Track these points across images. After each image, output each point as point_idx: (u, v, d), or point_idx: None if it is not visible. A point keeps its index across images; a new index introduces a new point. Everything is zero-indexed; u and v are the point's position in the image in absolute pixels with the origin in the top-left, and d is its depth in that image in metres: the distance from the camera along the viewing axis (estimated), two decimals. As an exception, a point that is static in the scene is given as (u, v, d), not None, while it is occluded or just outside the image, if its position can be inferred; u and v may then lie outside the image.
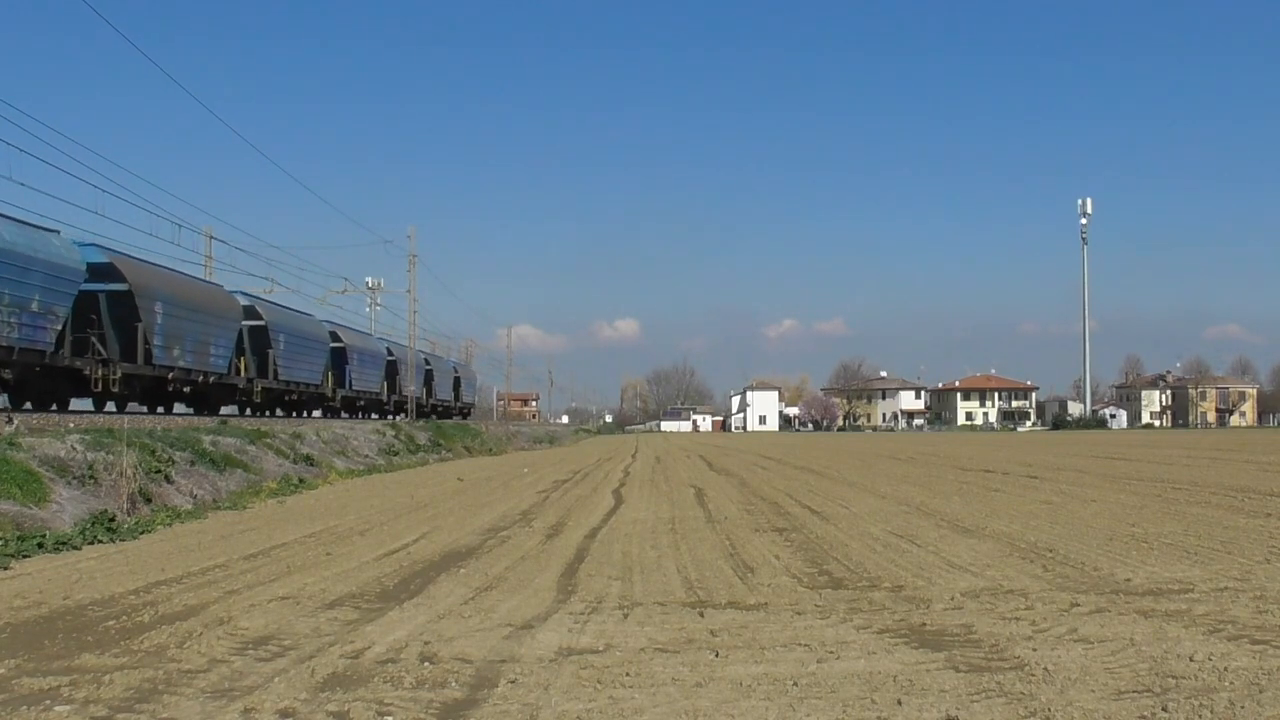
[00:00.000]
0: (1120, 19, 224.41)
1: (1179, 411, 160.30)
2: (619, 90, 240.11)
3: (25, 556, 10.99)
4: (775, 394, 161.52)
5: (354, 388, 48.43)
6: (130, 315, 26.61)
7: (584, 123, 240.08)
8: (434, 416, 61.26)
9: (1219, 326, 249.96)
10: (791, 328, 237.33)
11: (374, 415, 53.13)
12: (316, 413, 45.19)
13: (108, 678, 5.83)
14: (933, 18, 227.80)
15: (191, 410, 33.19)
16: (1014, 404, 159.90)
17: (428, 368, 62.85)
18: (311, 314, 46.57)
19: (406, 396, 56.25)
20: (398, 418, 52.78)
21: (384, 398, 53.67)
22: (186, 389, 31.35)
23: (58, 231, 24.71)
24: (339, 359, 47.24)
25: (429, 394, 62.45)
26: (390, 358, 55.03)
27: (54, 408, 25.12)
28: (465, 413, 76.55)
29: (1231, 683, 5.42)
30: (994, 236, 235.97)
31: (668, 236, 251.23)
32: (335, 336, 47.06)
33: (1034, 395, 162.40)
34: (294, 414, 40.86)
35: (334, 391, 46.15)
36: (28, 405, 24.45)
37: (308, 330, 43.08)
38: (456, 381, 72.91)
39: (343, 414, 48.56)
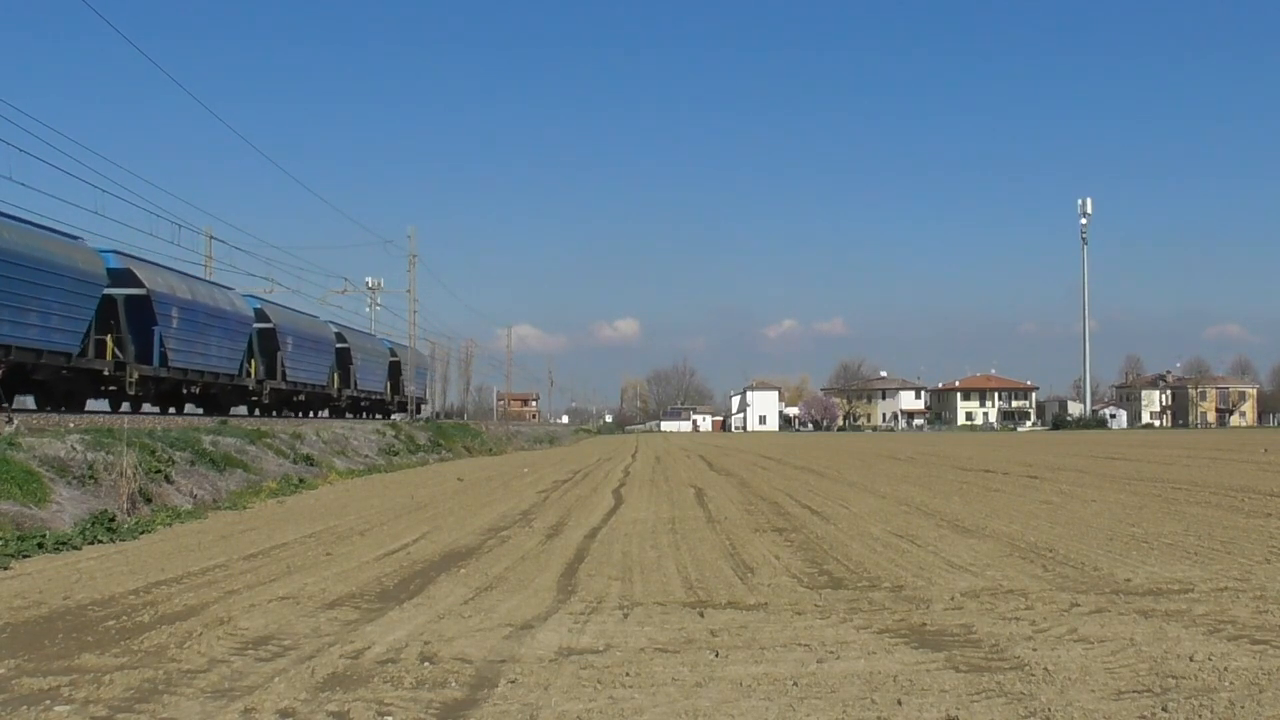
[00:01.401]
0: (1120, 19, 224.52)
1: (1179, 411, 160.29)
2: (619, 90, 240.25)
3: (25, 556, 10.99)
4: (775, 394, 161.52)
5: (173, 363, 29.00)
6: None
7: (584, 123, 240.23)
8: (359, 414, 49.93)
9: (1219, 326, 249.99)
10: (791, 328, 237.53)
11: (233, 409, 35.99)
12: (103, 404, 28.85)
13: (108, 678, 5.83)
14: (932, 17, 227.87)
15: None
16: (1014, 404, 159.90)
17: (342, 345, 46.90)
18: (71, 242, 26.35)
19: (299, 385, 40.53)
20: (287, 414, 39.77)
21: (249, 383, 35.60)
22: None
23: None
24: (139, 313, 27.54)
25: (345, 381, 47.12)
26: (263, 325, 37.09)
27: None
28: (412, 409, 60.00)
29: (1231, 683, 5.42)
30: (994, 236, 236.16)
31: (668, 236, 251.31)
32: (128, 277, 27.30)
33: (1034, 395, 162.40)
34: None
35: (125, 371, 26.70)
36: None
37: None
38: (395, 368, 56.40)
39: (149, 405, 30.69)
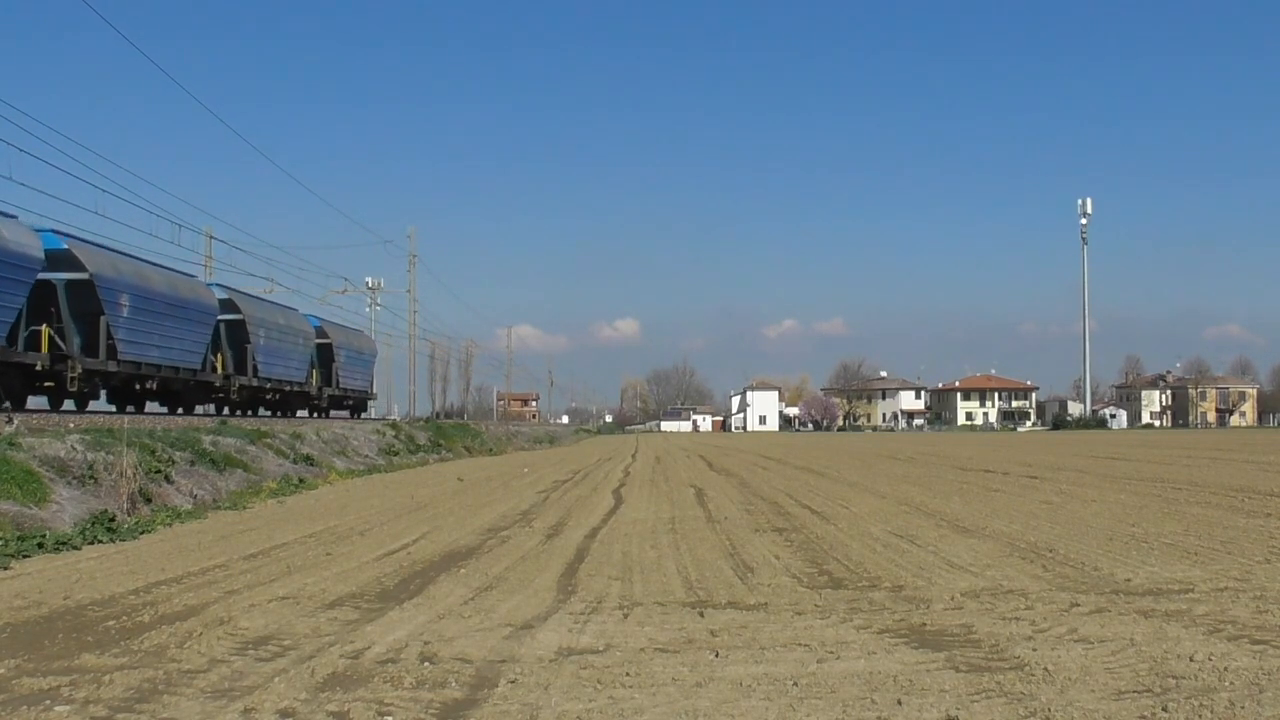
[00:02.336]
0: (1120, 19, 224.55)
1: (1179, 411, 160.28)
2: (619, 90, 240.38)
3: (25, 556, 10.99)
4: (775, 394, 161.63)
5: None
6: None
7: (584, 122, 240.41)
8: (265, 409, 38.21)
9: (1219, 326, 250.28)
10: (791, 328, 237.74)
11: (30, 399, 25.14)
12: None
13: (108, 678, 5.83)
14: (933, 17, 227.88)
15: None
16: (1014, 404, 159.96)
17: (230, 316, 34.49)
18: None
19: (145, 365, 27.90)
20: (150, 409, 30.58)
21: (38, 360, 23.43)
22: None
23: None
24: None
25: (239, 365, 35.07)
26: (71, 275, 25.17)
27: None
28: (351, 405, 49.22)
29: (1231, 683, 5.42)
30: (994, 236, 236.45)
31: (668, 236, 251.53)
32: None
33: (1034, 395, 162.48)
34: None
35: None
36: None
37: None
38: (325, 352, 44.38)
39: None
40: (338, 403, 47.26)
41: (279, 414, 38.55)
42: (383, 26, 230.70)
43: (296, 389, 40.70)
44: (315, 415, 42.69)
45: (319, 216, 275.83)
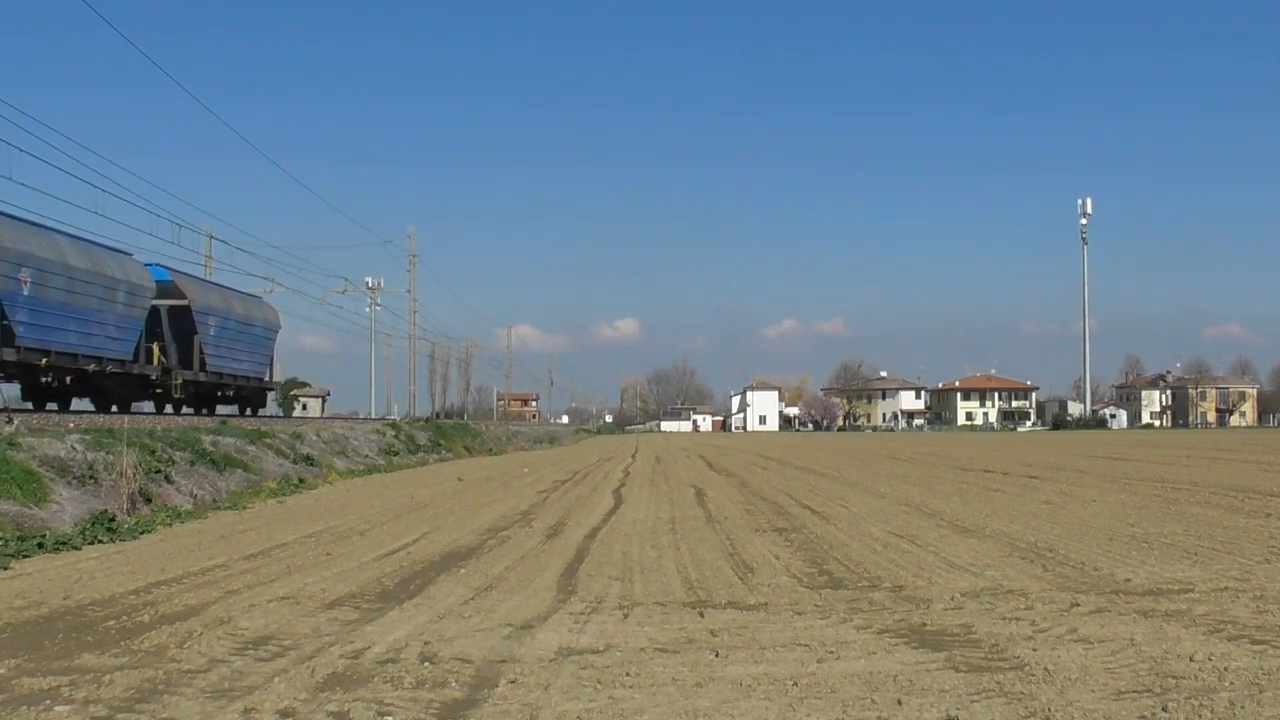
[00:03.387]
0: (1120, 19, 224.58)
1: (1179, 411, 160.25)
2: (619, 90, 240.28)
3: (25, 556, 10.99)
4: (775, 394, 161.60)
5: None
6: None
7: (584, 122, 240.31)
8: (54, 400, 26.12)
9: (1219, 326, 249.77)
10: (791, 328, 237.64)
11: None
12: None
13: (108, 678, 5.83)
14: (933, 17, 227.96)
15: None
16: (1014, 404, 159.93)
17: None
18: None
19: None
20: None
21: None
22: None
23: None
24: None
25: None
26: None
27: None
28: (234, 397, 35.41)
29: (1231, 683, 5.42)
30: (994, 236, 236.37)
31: (668, 236, 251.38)
32: None
33: (1034, 395, 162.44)
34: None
35: None
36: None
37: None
38: (179, 319, 30.26)
39: None
40: (208, 392, 33.28)
41: (100, 410, 26.55)
42: (383, 26, 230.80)
43: (113, 369, 26.39)
44: (164, 410, 30.10)
45: (319, 216, 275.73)
